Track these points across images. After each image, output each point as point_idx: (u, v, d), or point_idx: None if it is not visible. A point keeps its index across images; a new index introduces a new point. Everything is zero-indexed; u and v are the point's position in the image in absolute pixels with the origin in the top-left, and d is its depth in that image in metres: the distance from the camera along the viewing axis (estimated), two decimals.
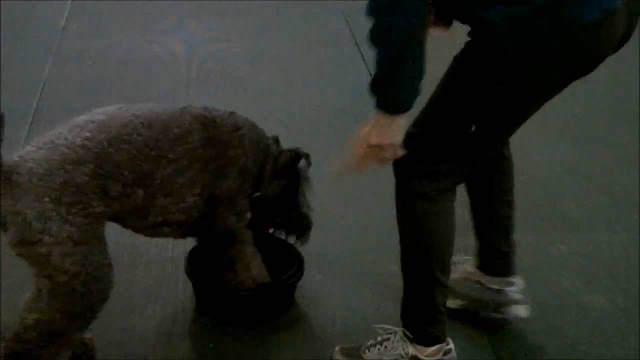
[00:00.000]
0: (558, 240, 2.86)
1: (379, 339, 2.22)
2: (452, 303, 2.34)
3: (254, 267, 2.36)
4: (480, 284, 2.40)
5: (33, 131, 3.41)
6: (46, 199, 1.80)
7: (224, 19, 4.67)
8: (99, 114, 1.99)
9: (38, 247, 1.82)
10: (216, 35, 4.47)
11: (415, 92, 1.89)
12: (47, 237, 1.81)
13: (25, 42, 4.27)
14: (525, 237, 2.86)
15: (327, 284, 2.62)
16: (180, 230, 2.23)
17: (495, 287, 2.38)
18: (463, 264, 2.46)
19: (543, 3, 1.74)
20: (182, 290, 2.55)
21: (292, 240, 2.50)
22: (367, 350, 2.22)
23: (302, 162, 2.38)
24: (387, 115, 1.93)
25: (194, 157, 2.07)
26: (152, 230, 2.19)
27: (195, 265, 2.42)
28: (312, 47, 4.33)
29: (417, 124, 2.05)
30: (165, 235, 2.25)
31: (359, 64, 4.10)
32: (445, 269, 2.14)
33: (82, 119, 1.97)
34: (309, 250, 2.56)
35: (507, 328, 2.45)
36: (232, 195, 2.22)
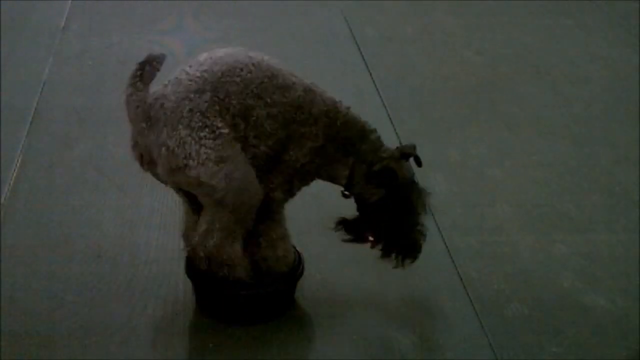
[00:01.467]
0: (558, 240, 2.86)
1: None
2: None
3: (280, 248, 2.35)
4: None
5: (33, 131, 3.41)
6: (180, 127, 2.03)
7: (224, 19, 4.67)
8: (218, 51, 2.19)
9: (187, 171, 2.05)
10: (216, 35, 4.46)
11: None
12: (191, 160, 2.04)
13: (25, 42, 4.27)
14: (525, 237, 2.87)
15: (327, 284, 2.62)
16: None
17: None
18: None
19: None
20: (182, 290, 2.55)
21: (393, 260, 2.39)
22: None
23: (406, 173, 2.27)
24: None
25: (282, 111, 2.16)
26: None
27: (195, 265, 2.41)
28: (312, 47, 4.33)
29: None
30: None
31: (359, 64, 4.10)
32: None
33: (202, 55, 2.17)
34: (309, 250, 2.56)
35: (507, 328, 2.45)
36: (294, 169, 2.22)
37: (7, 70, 3.92)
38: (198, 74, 2.09)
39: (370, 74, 3.96)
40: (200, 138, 2.04)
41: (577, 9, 4.98)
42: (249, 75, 2.13)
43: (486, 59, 4.28)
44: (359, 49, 4.24)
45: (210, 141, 2.05)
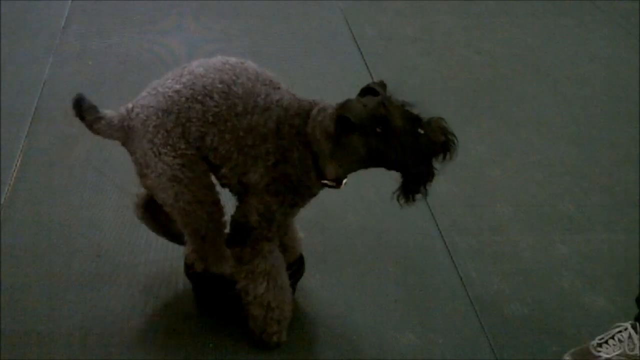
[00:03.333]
0: (558, 240, 2.87)
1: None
2: None
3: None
4: None
5: (33, 131, 3.41)
6: (144, 140, 2.16)
7: (224, 19, 4.67)
8: (201, 66, 2.19)
9: (146, 180, 2.21)
10: (216, 35, 4.46)
11: None
12: (149, 171, 2.17)
13: (25, 42, 4.27)
14: (525, 237, 2.87)
15: (327, 284, 2.62)
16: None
17: None
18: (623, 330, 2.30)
19: None
20: (182, 290, 2.55)
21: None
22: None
23: (360, 111, 2.02)
24: None
25: (235, 137, 2.15)
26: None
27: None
28: (312, 47, 4.33)
29: None
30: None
31: (359, 63, 4.10)
32: None
33: (188, 67, 2.20)
34: (309, 250, 2.56)
35: (507, 328, 2.45)
36: (262, 191, 2.17)
37: (7, 70, 3.93)
38: (170, 93, 2.16)
39: (370, 74, 3.96)
40: (161, 153, 2.15)
41: (577, 9, 4.98)
42: (210, 102, 2.15)
43: (486, 59, 4.28)
44: (359, 49, 4.25)
45: (170, 158, 2.15)
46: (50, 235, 2.80)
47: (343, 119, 2.02)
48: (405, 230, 2.90)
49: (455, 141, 2.10)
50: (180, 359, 2.33)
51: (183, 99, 2.15)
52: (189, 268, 2.43)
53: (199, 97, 2.15)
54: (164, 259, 2.68)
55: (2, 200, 2.95)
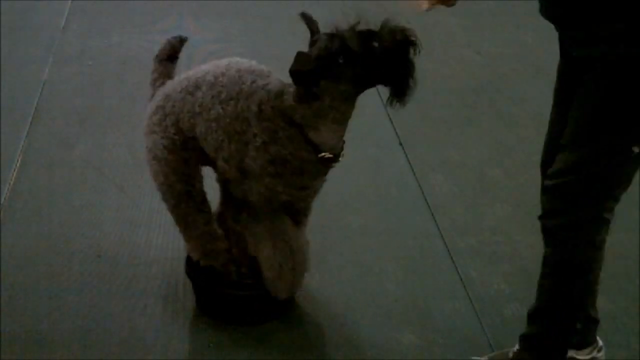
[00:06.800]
0: None
1: None
2: None
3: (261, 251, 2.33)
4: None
5: (33, 131, 3.41)
6: (147, 129, 2.33)
7: (224, 19, 4.67)
8: (207, 65, 2.29)
9: (150, 161, 2.35)
10: (216, 35, 4.46)
11: None
12: (147, 151, 2.34)
13: (25, 42, 4.27)
14: (525, 237, 2.87)
15: (327, 284, 2.62)
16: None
17: (587, 357, 2.25)
18: None
19: None
20: (182, 290, 2.55)
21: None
22: None
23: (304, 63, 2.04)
24: None
25: (222, 125, 2.18)
26: None
27: (195, 265, 2.42)
28: None
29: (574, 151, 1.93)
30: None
31: None
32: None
33: (193, 73, 2.28)
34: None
35: (507, 328, 2.45)
36: (259, 173, 2.17)
37: (7, 70, 3.92)
38: (177, 82, 2.31)
39: None
40: (152, 132, 2.31)
41: None
42: (198, 93, 2.22)
43: (486, 59, 4.28)
44: None
45: (158, 137, 2.29)
46: (50, 235, 2.80)
47: (293, 74, 2.01)
48: (405, 230, 2.90)
49: (411, 34, 2.07)
50: (180, 359, 2.33)
51: (179, 88, 2.27)
52: (189, 268, 2.44)
53: (191, 89, 2.24)
54: (164, 259, 2.68)
55: (2, 200, 2.95)
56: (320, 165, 2.15)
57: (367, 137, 3.46)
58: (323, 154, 2.12)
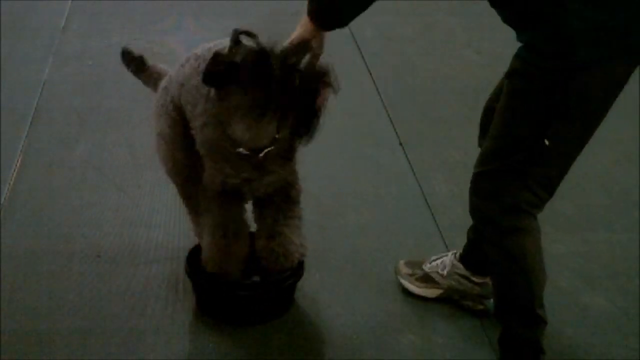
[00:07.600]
0: (557, 240, 2.86)
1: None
2: (432, 292, 2.51)
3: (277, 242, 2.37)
4: (464, 277, 2.47)
5: (33, 131, 3.42)
6: (154, 114, 2.42)
7: (224, 19, 4.66)
8: (200, 51, 2.30)
9: (159, 145, 2.43)
10: (216, 35, 4.45)
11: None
12: (158, 130, 2.41)
13: (25, 42, 4.28)
14: None
15: (327, 284, 2.62)
16: None
17: (479, 280, 2.46)
18: (446, 256, 2.55)
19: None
20: (182, 290, 2.55)
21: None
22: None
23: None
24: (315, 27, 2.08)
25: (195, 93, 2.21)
26: None
27: (195, 265, 2.42)
28: None
29: (493, 142, 2.14)
30: None
31: (359, 62, 4.10)
32: (543, 303, 2.20)
33: (195, 53, 2.29)
34: (308, 250, 2.56)
35: None
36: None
37: (7, 70, 3.93)
38: (172, 74, 2.37)
39: (370, 74, 3.96)
40: (160, 114, 2.38)
41: None
42: (186, 66, 2.26)
43: (486, 59, 4.28)
44: (359, 49, 4.24)
45: (163, 118, 2.36)
46: (50, 235, 2.80)
47: (203, 73, 2.03)
48: (405, 230, 2.90)
49: (332, 79, 2.10)
50: (180, 359, 2.33)
51: (177, 66, 2.32)
52: (189, 268, 2.44)
53: (182, 62, 2.29)
54: (164, 259, 2.69)
55: (2, 200, 2.95)
56: (244, 158, 2.15)
57: (367, 137, 3.46)
58: (240, 149, 2.12)
